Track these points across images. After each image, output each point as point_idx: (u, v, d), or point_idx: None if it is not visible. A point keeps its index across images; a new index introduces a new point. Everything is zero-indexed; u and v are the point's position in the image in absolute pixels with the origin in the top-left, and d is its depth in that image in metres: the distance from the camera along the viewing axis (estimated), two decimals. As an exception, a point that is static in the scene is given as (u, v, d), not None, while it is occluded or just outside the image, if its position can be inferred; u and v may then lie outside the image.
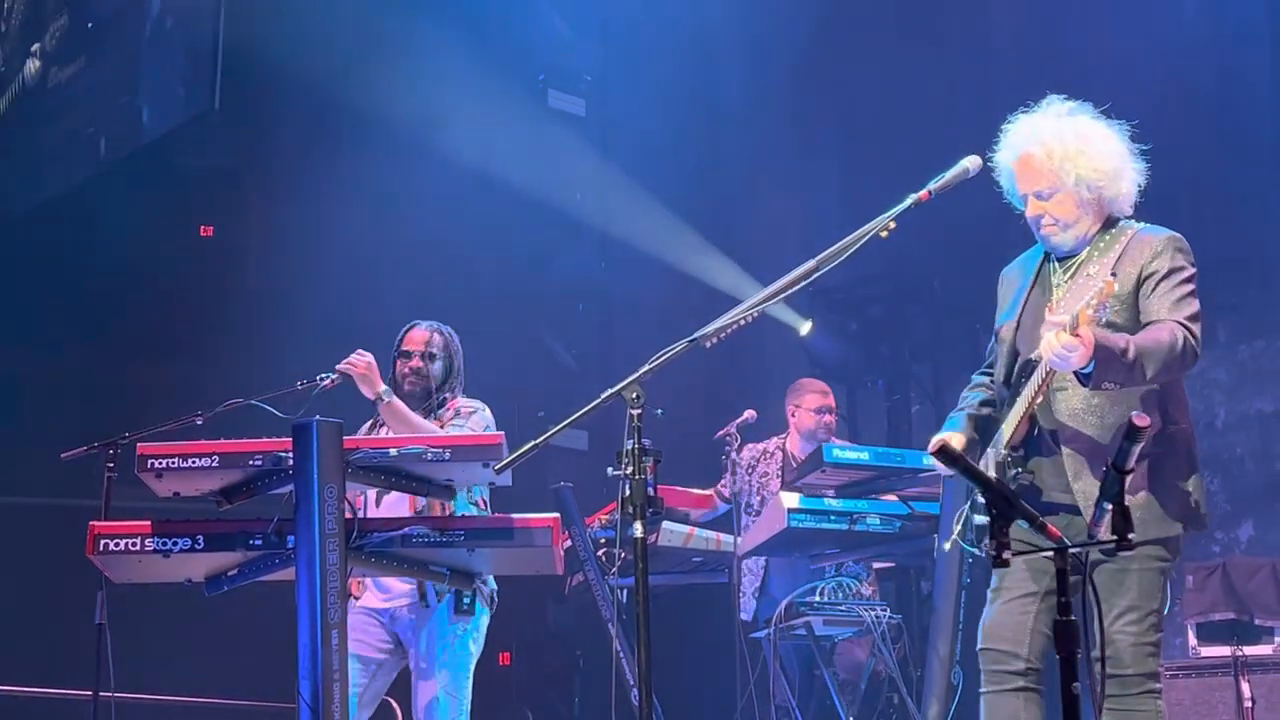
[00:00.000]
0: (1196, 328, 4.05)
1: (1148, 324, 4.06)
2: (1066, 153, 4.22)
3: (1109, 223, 4.29)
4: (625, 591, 6.07)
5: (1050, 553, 3.66)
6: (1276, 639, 6.20)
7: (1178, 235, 4.22)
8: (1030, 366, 4.18)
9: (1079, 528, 4.03)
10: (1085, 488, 4.06)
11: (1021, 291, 4.35)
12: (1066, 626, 2.98)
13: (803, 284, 4.12)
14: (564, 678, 8.56)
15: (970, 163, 4.20)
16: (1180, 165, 8.20)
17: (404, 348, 5.44)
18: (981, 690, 4.27)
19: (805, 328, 8.96)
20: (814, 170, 9.50)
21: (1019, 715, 4.16)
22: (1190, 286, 4.13)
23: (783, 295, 4.12)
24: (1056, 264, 4.32)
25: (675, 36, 9.05)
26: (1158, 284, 4.11)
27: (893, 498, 6.18)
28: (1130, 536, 3.10)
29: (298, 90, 7.95)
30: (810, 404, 7.08)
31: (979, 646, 4.30)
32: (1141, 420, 3.24)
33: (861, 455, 6.14)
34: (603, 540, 6.15)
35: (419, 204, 8.04)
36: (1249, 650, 6.07)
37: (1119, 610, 4.07)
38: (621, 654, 5.66)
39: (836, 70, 9.38)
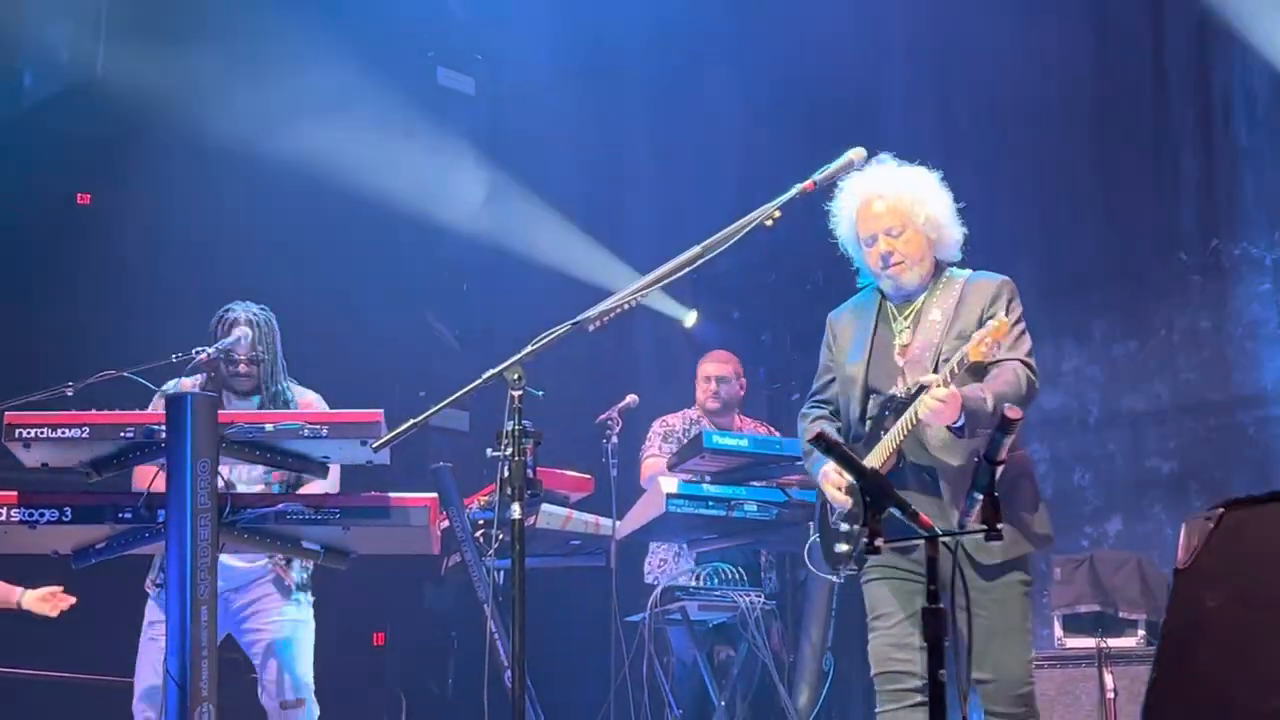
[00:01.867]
0: (1033, 361, 4.49)
1: (992, 363, 4.39)
2: (915, 195, 4.61)
3: (938, 269, 4.66)
4: (502, 573, 6.06)
5: (907, 573, 4.33)
6: (1140, 632, 6.33)
7: (1009, 280, 4.62)
8: (895, 403, 4.48)
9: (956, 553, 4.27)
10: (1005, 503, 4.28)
11: (866, 333, 4.66)
12: (934, 614, 3.03)
13: (687, 270, 4.14)
14: (438, 658, 8.52)
15: (854, 154, 4.27)
16: (1059, 168, 8.40)
17: (228, 351, 5.38)
18: (880, 709, 4.48)
19: (690, 319, 9.00)
20: (710, 152, 9.51)
21: None
22: (1023, 325, 4.57)
23: (667, 280, 4.14)
24: (894, 309, 4.66)
25: (569, 15, 9.02)
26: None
27: (771, 485, 6.22)
28: (1000, 526, 3.17)
29: (182, 60, 7.81)
30: (700, 373, 7.27)
31: (874, 672, 4.54)
32: (1014, 413, 3.32)
33: (741, 442, 6.18)
34: (481, 521, 6.12)
35: (302, 178, 7.94)
36: (1113, 642, 6.20)
37: (1005, 636, 4.37)
38: (496, 635, 5.65)
39: (739, 50, 9.42)
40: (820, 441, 3.26)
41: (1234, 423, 7.85)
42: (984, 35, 8.88)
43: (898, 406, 4.45)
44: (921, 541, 3.21)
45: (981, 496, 3.32)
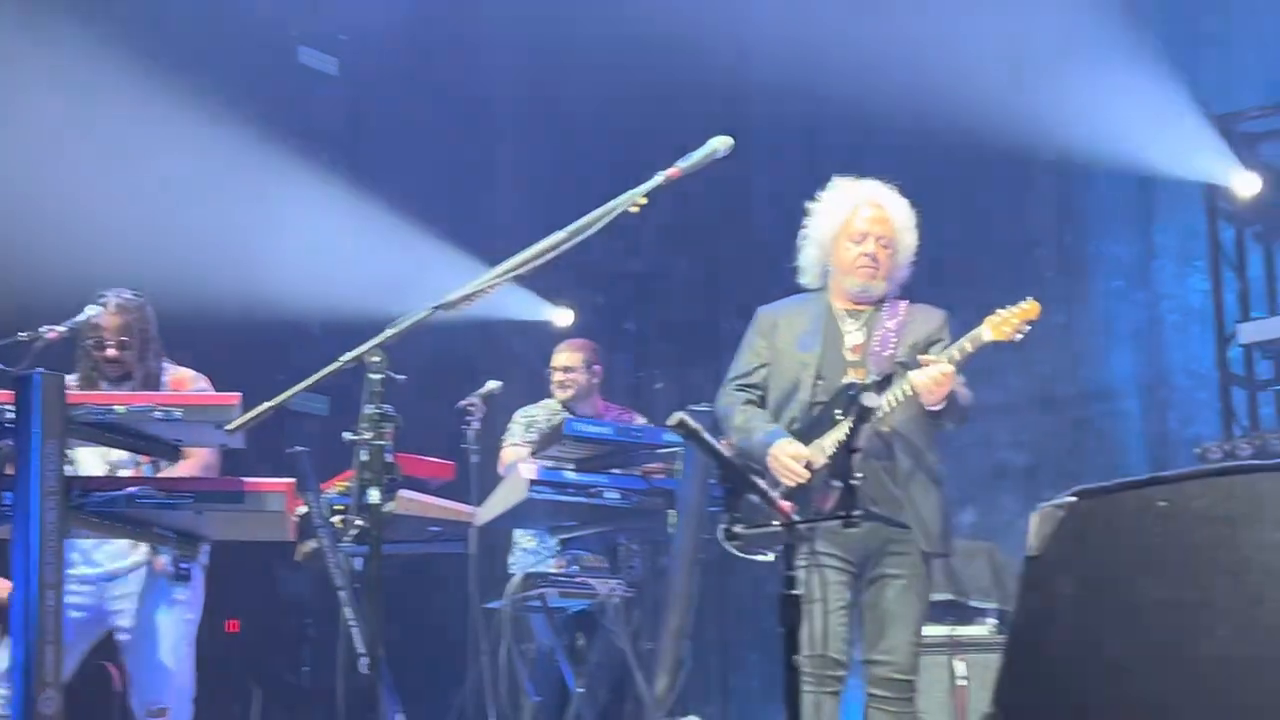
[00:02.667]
0: None
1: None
2: (908, 225, 5.01)
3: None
4: (359, 559, 5.98)
5: (846, 560, 4.63)
6: (990, 620, 6.44)
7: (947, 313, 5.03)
8: (855, 388, 4.69)
9: (883, 536, 4.71)
10: (913, 490, 4.76)
11: (817, 328, 4.98)
12: (791, 601, 3.05)
13: (550, 255, 4.11)
14: (293, 646, 8.41)
15: (719, 143, 4.25)
16: (918, 161, 8.50)
17: (96, 335, 5.24)
18: (805, 690, 4.49)
19: (564, 317, 8.97)
20: (574, 137, 9.49)
21: (836, 714, 4.68)
22: None
23: (530, 265, 4.10)
24: (844, 315, 5.00)
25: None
26: (944, 349, 4.79)
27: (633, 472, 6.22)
28: (855, 513, 3.20)
29: (27, 28, 7.59)
30: (552, 363, 7.23)
31: (808, 652, 4.58)
32: (872, 401, 3.36)
33: (603, 430, 6.16)
34: (338, 506, 6.03)
35: (160, 154, 7.77)
36: (964, 631, 6.31)
37: (907, 624, 4.73)
38: (353, 623, 5.58)
39: (608, 30, 9.40)
40: (681, 428, 3.26)
41: (1084, 416, 8.04)
42: (845, 27, 8.98)
43: (859, 391, 4.56)
44: (852, 527, 3.27)
45: (840, 484, 3.34)
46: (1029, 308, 4.60)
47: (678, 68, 9.01)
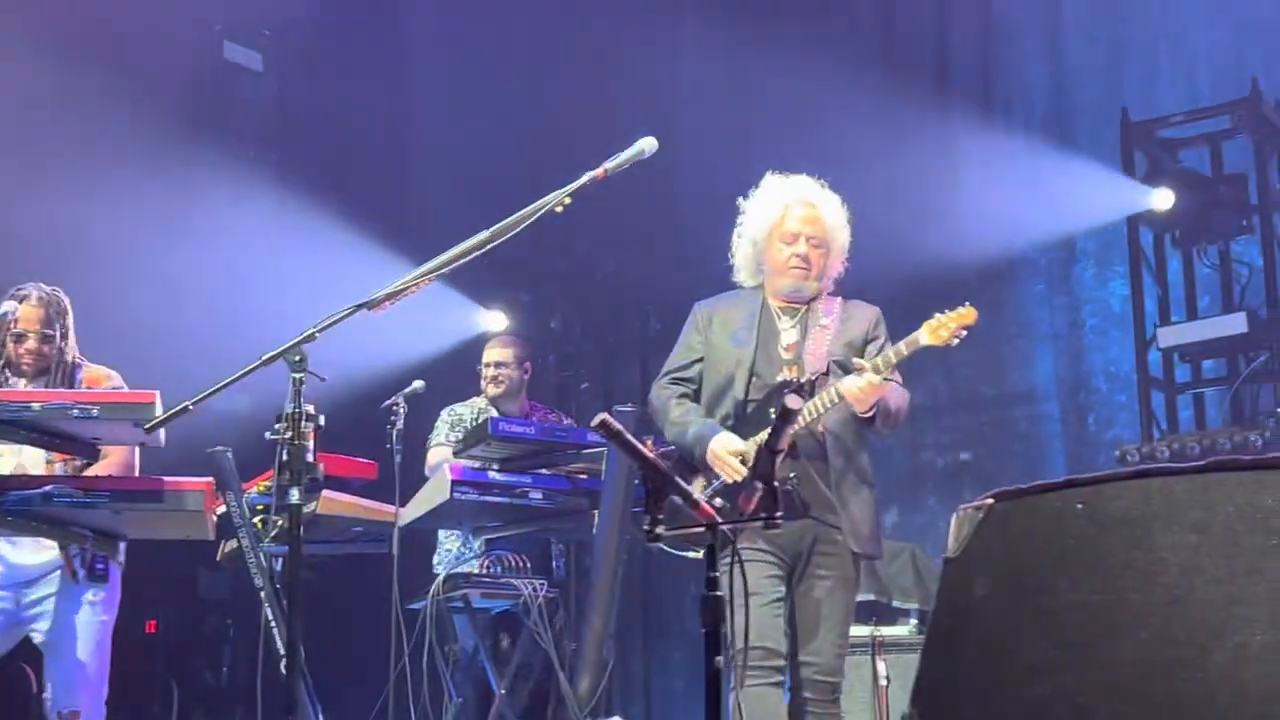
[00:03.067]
0: None
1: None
2: (839, 223, 4.98)
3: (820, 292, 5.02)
4: (280, 559, 5.93)
5: (778, 556, 4.63)
6: (912, 620, 6.49)
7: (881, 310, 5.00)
8: (790, 386, 4.71)
9: (814, 536, 4.71)
10: (844, 491, 4.74)
11: (751, 324, 4.95)
12: (713, 602, 3.05)
13: (476, 254, 4.10)
14: (213, 646, 8.33)
15: (646, 144, 4.28)
16: (846, 165, 8.54)
17: (17, 329, 5.17)
18: (746, 684, 4.55)
19: (498, 322, 8.93)
20: (502, 133, 9.46)
21: (778, 705, 4.67)
22: None
23: (455, 264, 4.10)
24: (779, 313, 4.98)
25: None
26: (880, 348, 4.83)
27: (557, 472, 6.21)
28: (777, 515, 3.21)
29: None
30: (482, 360, 7.20)
31: (752, 644, 4.55)
32: (794, 403, 3.36)
33: (527, 430, 6.15)
34: (260, 506, 5.98)
35: (81, 150, 7.67)
36: (886, 631, 6.34)
37: (834, 625, 4.72)
38: (273, 623, 5.54)
39: (525, 29, 9.39)
40: (604, 429, 3.26)
41: (1007, 417, 8.12)
42: (776, 32, 9.02)
43: (792, 390, 4.60)
44: (774, 529, 3.27)
45: (761, 486, 3.35)
46: (966, 313, 4.56)
47: (607, 64, 9.02)
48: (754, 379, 4.86)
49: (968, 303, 4.57)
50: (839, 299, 5.02)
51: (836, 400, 4.63)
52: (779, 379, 4.80)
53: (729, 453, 4.74)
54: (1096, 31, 8.19)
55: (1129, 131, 7.40)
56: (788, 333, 4.92)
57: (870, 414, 4.66)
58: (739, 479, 4.71)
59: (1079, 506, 2.90)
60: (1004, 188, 8.10)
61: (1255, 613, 2.63)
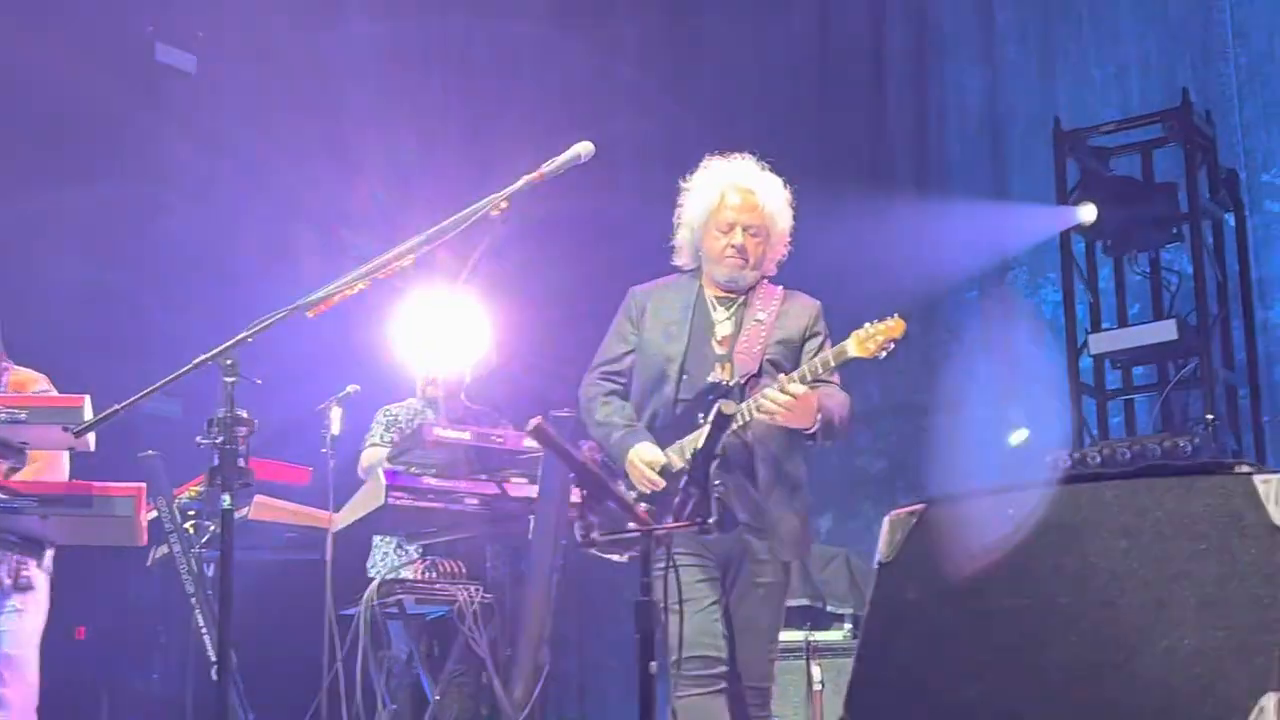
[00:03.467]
0: None
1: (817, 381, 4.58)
2: (779, 208, 4.80)
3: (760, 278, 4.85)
4: (212, 565, 5.88)
5: (709, 562, 4.53)
6: (846, 625, 6.51)
7: (821, 304, 4.86)
8: (719, 390, 4.60)
9: (744, 543, 4.58)
10: (774, 499, 4.58)
11: (685, 317, 4.79)
12: (647, 607, 3.05)
13: (410, 257, 4.08)
14: (144, 654, 8.23)
15: (582, 148, 4.27)
16: (779, 169, 8.57)
17: None
18: (684, 694, 4.46)
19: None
20: (438, 136, 9.42)
21: (721, 714, 4.51)
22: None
23: (391, 267, 4.07)
24: (715, 302, 4.81)
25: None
26: (819, 348, 4.70)
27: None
28: (711, 520, 3.21)
29: None
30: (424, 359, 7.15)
31: (686, 655, 4.47)
32: (729, 409, 3.36)
33: (462, 435, 6.11)
34: (191, 511, 5.93)
35: (11, 150, 7.57)
36: (820, 635, 6.37)
37: (764, 632, 4.61)
38: (204, 629, 5.49)
39: (462, 32, 9.37)
40: (539, 434, 3.25)
41: (939, 424, 8.16)
42: (716, 39, 9.06)
43: (722, 393, 4.56)
44: (708, 533, 3.26)
45: (697, 492, 3.35)
46: (894, 325, 4.39)
47: (545, 66, 9.02)
48: (685, 378, 4.70)
49: (896, 314, 4.45)
50: (779, 288, 4.87)
51: (746, 419, 4.49)
52: (709, 379, 4.66)
53: (644, 463, 4.61)
54: (1029, 41, 8.26)
55: (1061, 140, 7.47)
56: (722, 325, 4.76)
57: (812, 430, 4.53)
58: (648, 491, 4.58)
59: (1010, 512, 2.93)
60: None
61: (1183, 616, 2.67)
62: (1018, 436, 7.54)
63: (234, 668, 4.17)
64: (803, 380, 4.44)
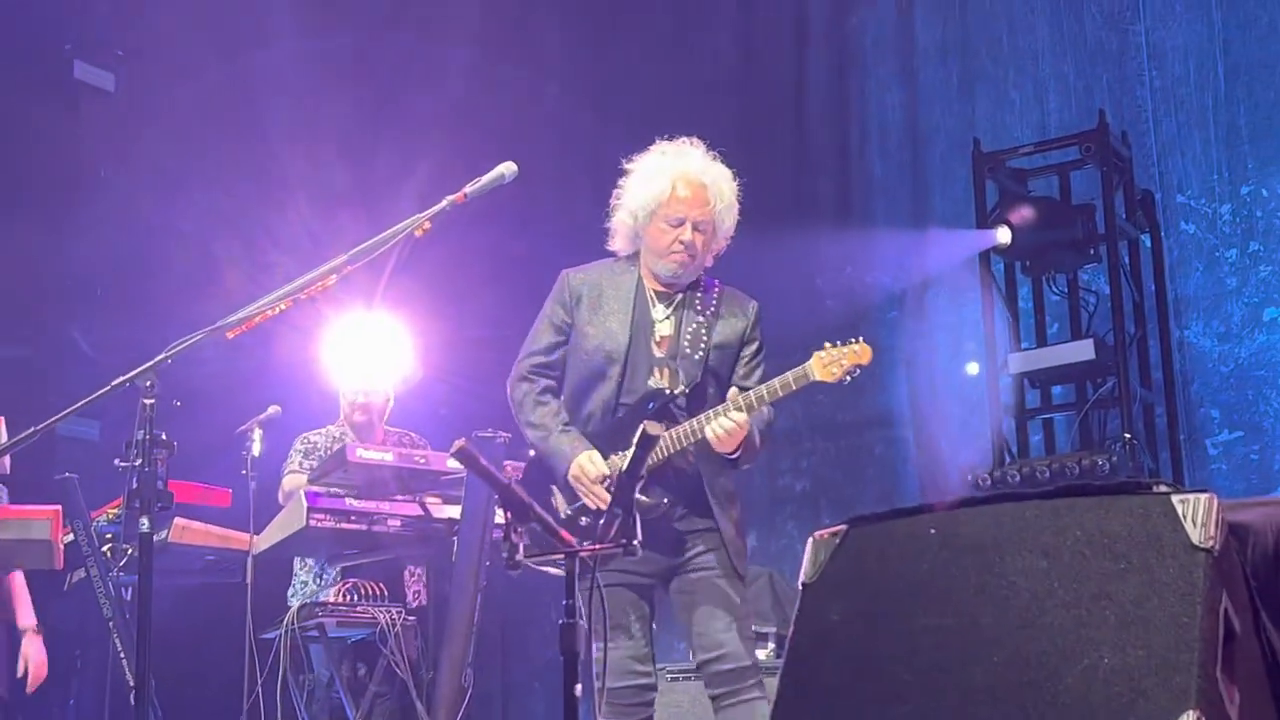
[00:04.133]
0: None
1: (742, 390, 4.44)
2: (728, 203, 4.61)
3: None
4: (130, 589, 5.80)
5: (643, 575, 4.44)
6: (770, 645, 6.52)
7: (759, 305, 4.73)
8: (661, 398, 4.47)
9: (687, 549, 4.50)
10: (721, 511, 4.51)
11: (626, 311, 4.58)
12: (570, 629, 3.04)
13: (332, 277, 4.06)
14: (60, 679, 8.09)
15: (506, 168, 4.27)
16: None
17: None
18: None
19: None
20: (363, 153, 9.36)
21: None
22: (764, 356, 4.66)
23: (309, 289, 4.05)
24: (654, 297, 4.61)
25: (214, 14, 8.76)
26: (754, 355, 4.62)
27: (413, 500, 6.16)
28: (635, 541, 3.21)
29: None
30: (343, 385, 7.07)
31: (614, 685, 4.42)
32: (655, 429, 3.36)
33: (385, 456, 6.09)
34: (109, 535, 5.85)
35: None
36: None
37: (726, 610, 4.44)
38: (122, 654, 5.42)
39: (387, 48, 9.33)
40: (462, 455, 3.24)
41: (862, 443, 8.21)
42: (638, 58, 9.09)
43: (667, 403, 4.46)
44: (631, 555, 3.24)
45: (620, 512, 3.34)
46: (860, 351, 4.28)
47: (471, 84, 9.00)
48: (624, 382, 4.51)
49: (861, 338, 4.32)
50: (716, 284, 4.70)
51: (698, 435, 4.34)
52: (650, 384, 4.49)
53: (592, 480, 4.43)
54: (949, 62, 8.35)
55: (980, 162, 7.55)
56: (662, 324, 4.57)
57: (735, 454, 4.39)
58: (603, 507, 4.40)
59: (932, 531, 2.95)
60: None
61: (1103, 635, 2.69)
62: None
63: (152, 692, 4.12)
64: (759, 402, 4.31)
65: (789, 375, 4.31)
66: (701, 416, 4.36)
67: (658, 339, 4.55)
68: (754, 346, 4.62)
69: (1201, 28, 7.54)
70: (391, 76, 9.36)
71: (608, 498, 4.37)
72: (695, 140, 4.67)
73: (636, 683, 4.45)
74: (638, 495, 4.29)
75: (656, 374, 4.51)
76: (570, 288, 4.68)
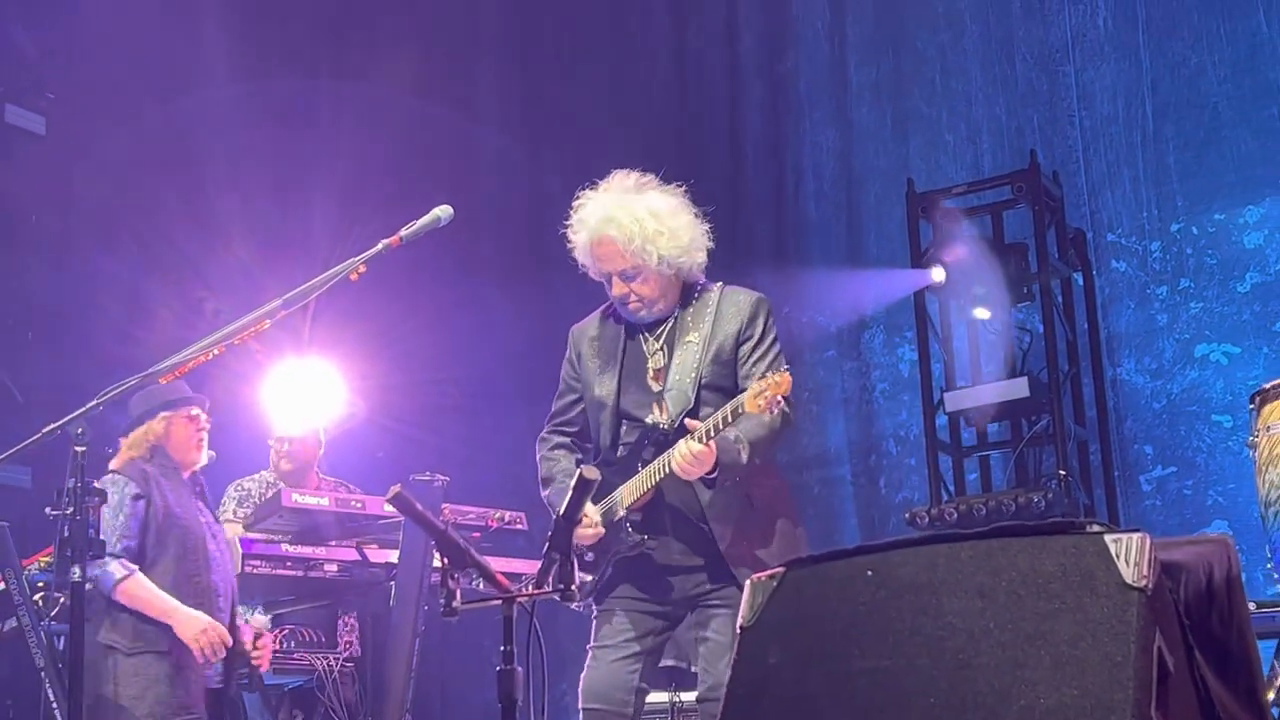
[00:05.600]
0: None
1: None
2: (646, 235, 4.38)
3: (689, 287, 4.53)
4: (62, 638, 5.72)
5: (654, 603, 4.34)
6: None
7: (764, 297, 4.53)
8: (655, 434, 4.36)
9: (697, 582, 4.35)
10: (730, 547, 4.28)
11: (614, 352, 4.51)
12: (509, 675, 3.03)
13: (267, 322, 4.05)
14: (-8, 730, 7.98)
15: (442, 211, 4.27)
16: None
17: None
18: None
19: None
20: (300, 201, 9.34)
21: None
22: (777, 348, 4.49)
23: (245, 333, 4.03)
24: (646, 332, 4.51)
25: (146, 57, 8.71)
26: (753, 350, 4.42)
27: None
28: (574, 587, 3.20)
29: None
30: (276, 433, 6.98)
31: (583, 705, 4.34)
32: (591, 474, 3.36)
33: (321, 501, 6.06)
34: (41, 584, 5.77)
35: None
36: (685, 696, 6.35)
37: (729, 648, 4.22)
38: (54, 703, 5.34)
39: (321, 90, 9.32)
40: (398, 501, 3.22)
41: (801, 481, 8.23)
42: (575, 102, 9.13)
43: (658, 438, 4.36)
44: (569, 600, 3.22)
45: (559, 557, 3.34)
46: (780, 381, 4.09)
47: (409, 124, 9.01)
48: (624, 422, 4.44)
49: (787, 367, 4.20)
50: (716, 288, 4.54)
51: (667, 471, 4.24)
52: (649, 420, 4.39)
53: (580, 529, 4.26)
54: (883, 103, 8.43)
55: (914, 201, 7.61)
56: (655, 357, 4.47)
57: (711, 475, 4.24)
58: (588, 544, 4.37)
59: (869, 573, 2.96)
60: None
61: (1039, 676, 2.70)
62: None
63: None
64: (708, 435, 4.15)
65: (727, 407, 4.16)
66: (670, 451, 4.24)
67: (652, 373, 4.47)
68: (751, 343, 4.43)
69: (1129, 68, 7.65)
70: (327, 120, 9.34)
71: (593, 533, 4.34)
72: (610, 179, 4.53)
73: (599, 705, 4.33)
74: (629, 531, 4.31)
75: (655, 409, 4.42)
76: (572, 344, 4.67)
